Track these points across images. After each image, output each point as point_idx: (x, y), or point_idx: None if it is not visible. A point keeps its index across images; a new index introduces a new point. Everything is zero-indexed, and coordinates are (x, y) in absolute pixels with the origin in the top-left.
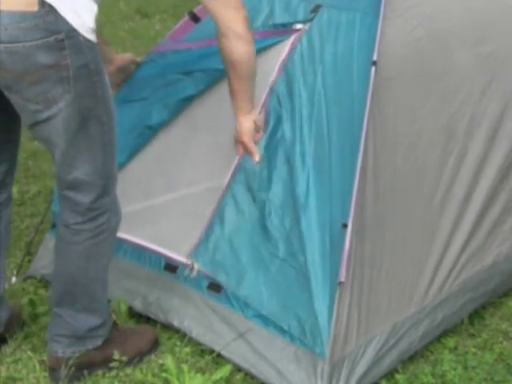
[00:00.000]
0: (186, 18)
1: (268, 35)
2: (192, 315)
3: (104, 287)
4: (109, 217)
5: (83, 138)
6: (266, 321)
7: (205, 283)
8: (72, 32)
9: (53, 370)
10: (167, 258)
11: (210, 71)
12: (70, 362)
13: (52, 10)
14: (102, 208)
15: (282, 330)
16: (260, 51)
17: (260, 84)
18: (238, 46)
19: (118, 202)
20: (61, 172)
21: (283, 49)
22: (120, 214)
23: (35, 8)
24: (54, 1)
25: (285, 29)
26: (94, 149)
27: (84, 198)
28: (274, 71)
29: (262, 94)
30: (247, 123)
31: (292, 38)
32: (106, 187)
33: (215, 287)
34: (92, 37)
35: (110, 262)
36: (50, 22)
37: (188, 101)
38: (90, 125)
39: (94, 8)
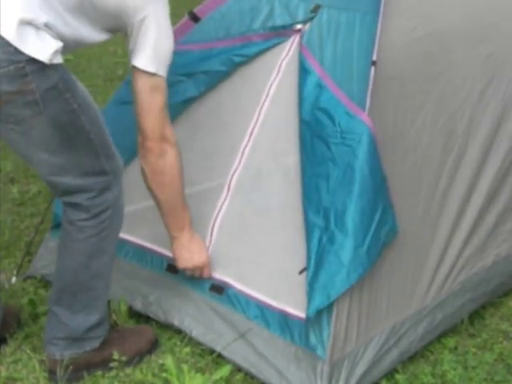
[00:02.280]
0: (186, 17)
1: (268, 37)
2: (192, 315)
3: (106, 284)
4: (112, 213)
5: (69, 148)
6: (266, 321)
7: (207, 285)
8: (33, 59)
9: (52, 373)
10: (169, 259)
11: (211, 73)
12: (68, 363)
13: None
14: (105, 204)
15: (282, 331)
16: (260, 53)
17: (260, 86)
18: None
19: (122, 199)
20: (51, 184)
21: (283, 50)
22: (123, 211)
23: None
24: (15, 41)
25: (284, 30)
26: (81, 156)
27: (82, 199)
28: (274, 73)
29: (261, 97)
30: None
31: (292, 39)
32: (104, 184)
33: (218, 289)
34: (56, 60)
35: (113, 259)
36: (10, 53)
37: (189, 103)
38: (74, 136)
39: (60, 44)
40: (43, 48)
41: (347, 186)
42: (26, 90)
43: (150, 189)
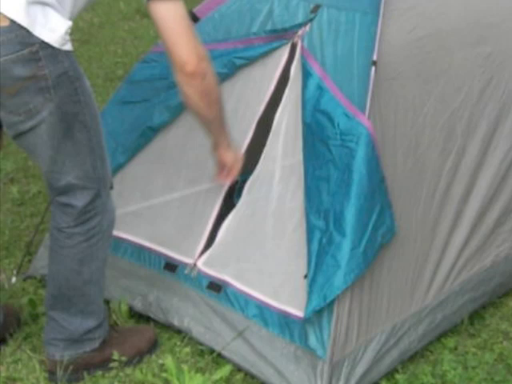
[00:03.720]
0: None
1: (269, 40)
2: (192, 314)
3: (99, 289)
4: (100, 219)
5: (70, 143)
6: (265, 320)
7: (205, 282)
8: (46, 43)
9: (52, 373)
10: (167, 258)
11: None
12: (68, 363)
13: None
14: (94, 211)
15: (281, 330)
16: (261, 56)
17: (261, 89)
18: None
19: (111, 205)
20: (52, 180)
21: (284, 52)
22: (113, 216)
23: (6, 23)
24: (25, 22)
25: (285, 32)
26: (82, 153)
27: (77, 202)
28: (275, 75)
29: (262, 100)
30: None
31: (292, 42)
32: (97, 189)
33: (215, 287)
34: (67, 47)
35: (105, 264)
36: (23, 36)
37: None
38: (76, 130)
39: (68, 23)
40: (51, 30)
41: (345, 188)
42: (39, 75)
43: (198, 112)
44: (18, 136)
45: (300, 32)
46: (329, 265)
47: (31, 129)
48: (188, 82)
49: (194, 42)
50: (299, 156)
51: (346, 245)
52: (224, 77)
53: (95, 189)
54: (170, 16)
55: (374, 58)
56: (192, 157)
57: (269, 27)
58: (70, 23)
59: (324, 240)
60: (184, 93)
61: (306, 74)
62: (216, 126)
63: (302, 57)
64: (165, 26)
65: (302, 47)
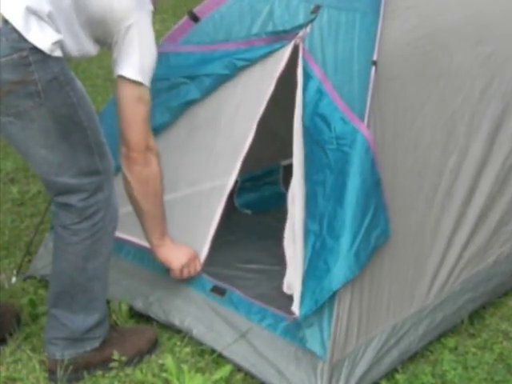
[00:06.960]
0: (186, 17)
1: (270, 41)
2: (193, 315)
3: (103, 285)
4: (103, 214)
5: (66, 144)
6: (268, 322)
7: (208, 286)
8: (37, 48)
9: (52, 373)
10: None
11: (214, 76)
12: (68, 363)
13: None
14: (96, 205)
15: (282, 331)
16: (262, 57)
17: (261, 90)
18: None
19: (114, 199)
20: (48, 181)
21: (284, 54)
22: (116, 211)
23: None
24: (20, 25)
25: (286, 34)
26: (78, 153)
27: (76, 200)
28: (276, 76)
29: (264, 99)
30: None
31: (293, 43)
32: (97, 184)
33: (219, 290)
34: (57, 53)
35: (108, 259)
36: (14, 40)
37: (191, 104)
38: (71, 131)
39: (60, 36)
40: (44, 38)
41: (339, 192)
42: (28, 80)
43: (133, 199)
44: (10, 137)
45: (301, 33)
46: (321, 269)
47: (22, 129)
48: (129, 166)
49: (148, 131)
50: (299, 157)
51: (338, 248)
52: (225, 78)
53: (93, 184)
54: (134, 101)
55: (374, 58)
56: (193, 157)
57: (269, 28)
58: (61, 36)
59: (317, 244)
60: (125, 177)
61: (307, 77)
62: (151, 222)
63: (303, 59)
64: (127, 108)
65: (303, 49)
